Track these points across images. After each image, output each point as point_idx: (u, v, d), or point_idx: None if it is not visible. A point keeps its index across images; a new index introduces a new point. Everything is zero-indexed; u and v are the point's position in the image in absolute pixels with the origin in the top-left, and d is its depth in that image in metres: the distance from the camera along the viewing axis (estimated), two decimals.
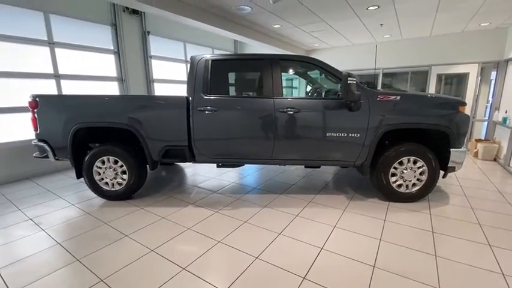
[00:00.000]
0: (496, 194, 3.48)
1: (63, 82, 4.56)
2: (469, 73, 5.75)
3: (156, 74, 6.11)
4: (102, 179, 3.22)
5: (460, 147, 3.05)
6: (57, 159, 3.26)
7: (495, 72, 5.97)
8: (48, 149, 3.18)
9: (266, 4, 3.95)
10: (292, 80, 8.73)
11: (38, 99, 3.09)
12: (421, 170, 3.06)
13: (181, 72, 6.82)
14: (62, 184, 3.95)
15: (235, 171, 4.53)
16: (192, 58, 3.15)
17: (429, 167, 3.03)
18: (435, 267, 1.99)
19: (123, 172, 3.19)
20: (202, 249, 2.24)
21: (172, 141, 3.11)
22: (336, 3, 3.81)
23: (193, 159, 3.22)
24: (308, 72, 4.04)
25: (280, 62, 3.05)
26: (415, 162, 3.05)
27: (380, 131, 2.93)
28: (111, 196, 3.26)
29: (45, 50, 4.31)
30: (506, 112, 4.91)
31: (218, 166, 3.40)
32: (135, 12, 5.46)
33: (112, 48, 5.23)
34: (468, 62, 5.66)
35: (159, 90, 6.23)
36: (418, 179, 3.10)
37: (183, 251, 2.22)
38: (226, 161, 3.22)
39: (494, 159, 5.15)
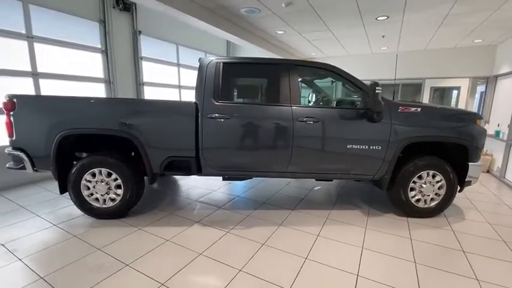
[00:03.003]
0: (504, 208, 3.48)
1: (42, 81, 4.02)
2: (460, 87, 5.96)
3: (146, 76, 5.68)
4: (92, 194, 2.77)
5: (477, 161, 3.00)
6: (36, 171, 2.78)
7: (481, 86, 6.25)
8: (25, 158, 2.69)
9: (276, 8, 3.76)
10: None
11: (15, 100, 2.62)
12: (439, 184, 2.96)
13: (172, 76, 6.43)
14: (38, 199, 3.40)
15: (236, 183, 4.21)
16: (201, 60, 2.85)
17: (447, 181, 2.94)
18: None
19: (118, 186, 2.77)
20: (223, 280, 1.91)
21: (177, 152, 2.76)
22: (347, 11, 3.73)
23: (199, 171, 2.88)
24: (314, 81, 3.89)
25: (298, 68, 2.84)
26: (433, 176, 2.95)
27: (402, 143, 2.80)
28: (102, 214, 2.81)
29: (23, 45, 3.78)
30: (498, 126, 5.09)
31: (224, 179, 3.10)
32: (126, 9, 5.04)
33: (99, 46, 4.76)
34: (460, 77, 5.87)
35: (149, 94, 5.80)
36: (436, 194, 3.00)
37: (200, 284, 1.88)
38: (236, 173, 2.92)
39: (487, 171, 5.30)
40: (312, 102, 3.98)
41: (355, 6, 3.54)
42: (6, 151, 2.74)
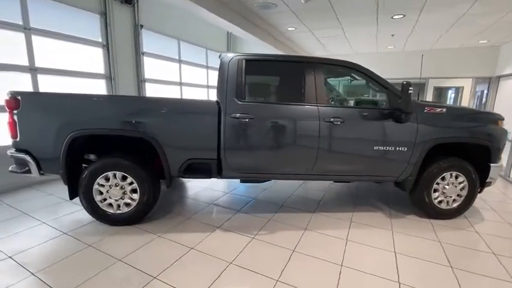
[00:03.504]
0: None
1: (40, 77, 3.74)
2: (463, 87, 6.04)
3: (146, 73, 5.42)
4: (105, 199, 2.58)
5: (497, 163, 3.00)
6: (42, 175, 2.56)
7: (479, 86, 6.34)
8: (31, 161, 2.46)
9: (294, 4, 3.62)
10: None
11: (19, 97, 2.39)
12: (462, 185, 2.94)
13: (173, 72, 6.19)
14: (40, 204, 3.16)
15: (249, 185, 4.08)
16: (222, 57, 2.70)
17: (470, 182, 2.92)
18: None
19: (133, 190, 2.59)
20: None
21: (198, 154, 2.60)
22: (365, 8, 3.65)
23: (219, 174, 2.74)
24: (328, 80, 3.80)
25: (323, 66, 2.74)
26: (456, 178, 2.93)
27: (428, 145, 2.76)
28: (116, 220, 2.62)
29: (20, 37, 3.49)
30: None
31: (242, 181, 2.98)
32: (127, 1, 4.78)
33: (100, 40, 4.49)
34: (463, 77, 5.94)
35: (150, 91, 5.55)
36: (458, 195, 2.98)
37: None
38: (258, 176, 2.80)
39: None
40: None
41: (374, 4, 3.47)
42: (8, 153, 2.51)
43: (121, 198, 2.59)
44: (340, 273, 2.02)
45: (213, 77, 7.29)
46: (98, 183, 2.53)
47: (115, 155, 2.58)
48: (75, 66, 4.15)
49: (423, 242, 2.53)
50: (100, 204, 2.58)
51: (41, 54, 3.70)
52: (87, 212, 2.60)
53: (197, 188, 3.90)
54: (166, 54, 5.89)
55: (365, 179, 2.94)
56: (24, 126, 2.43)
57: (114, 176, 2.54)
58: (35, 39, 3.62)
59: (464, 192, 2.97)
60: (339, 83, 6.60)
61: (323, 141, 2.64)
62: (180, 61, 6.28)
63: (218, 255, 2.20)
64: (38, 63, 3.69)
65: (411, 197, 3.08)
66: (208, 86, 7.30)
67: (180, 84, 6.37)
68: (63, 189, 3.60)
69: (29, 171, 2.50)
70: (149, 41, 5.38)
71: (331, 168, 2.77)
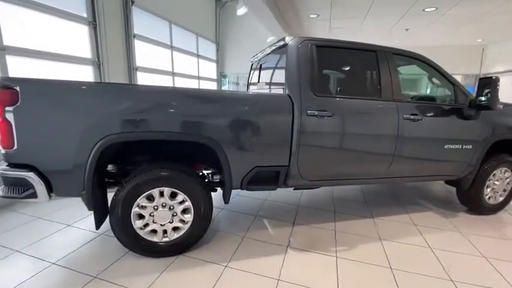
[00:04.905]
0: None
1: (9, 59, 2.75)
2: None
3: (138, 60, 4.55)
4: (147, 224, 1.94)
5: None
6: (51, 197, 1.80)
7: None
8: (37, 180, 1.69)
9: None
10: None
11: (17, 88, 1.60)
12: (508, 180, 2.99)
13: (164, 60, 5.35)
14: (32, 234, 2.30)
15: (280, 190, 3.64)
16: (287, 41, 2.22)
17: None
18: None
19: (184, 211, 2.00)
20: None
21: (268, 160, 2.11)
22: None
23: (284, 183, 2.29)
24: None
25: (397, 57, 2.46)
26: (505, 173, 2.96)
27: (490, 141, 2.70)
28: (162, 251, 2.00)
29: None
30: None
31: (295, 188, 2.57)
32: None
33: (85, 16, 3.54)
34: (455, 74, 6.30)
35: (141, 82, 4.69)
36: (504, 190, 3.02)
37: None
38: (330, 183, 2.43)
39: None
40: None
41: None
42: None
43: (169, 222, 1.97)
44: None
45: (204, 67, 6.58)
46: (139, 205, 1.88)
47: (158, 165, 1.94)
48: (55, 48, 3.19)
49: (499, 242, 2.46)
50: (140, 232, 1.93)
51: (10, 30, 2.71)
52: (123, 243, 1.93)
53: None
54: (157, 38, 5.03)
55: (427, 179, 2.79)
56: (25, 129, 1.65)
57: (161, 194, 1.91)
58: (2, 6, 2.62)
59: (509, 187, 3.02)
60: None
61: (401, 139, 2.37)
62: (171, 47, 5.45)
63: (316, 286, 1.79)
64: (7, 41, 2.70)
65: (462, 194, 3.03)
66: (199, 77, 6.55)
67: (173, 74, 5.56)
68: (53, 210, 2.76)
69: (33, 195, 1.72)
70: (140, 22, 4.51)
71: (403, 170, 2.54)
